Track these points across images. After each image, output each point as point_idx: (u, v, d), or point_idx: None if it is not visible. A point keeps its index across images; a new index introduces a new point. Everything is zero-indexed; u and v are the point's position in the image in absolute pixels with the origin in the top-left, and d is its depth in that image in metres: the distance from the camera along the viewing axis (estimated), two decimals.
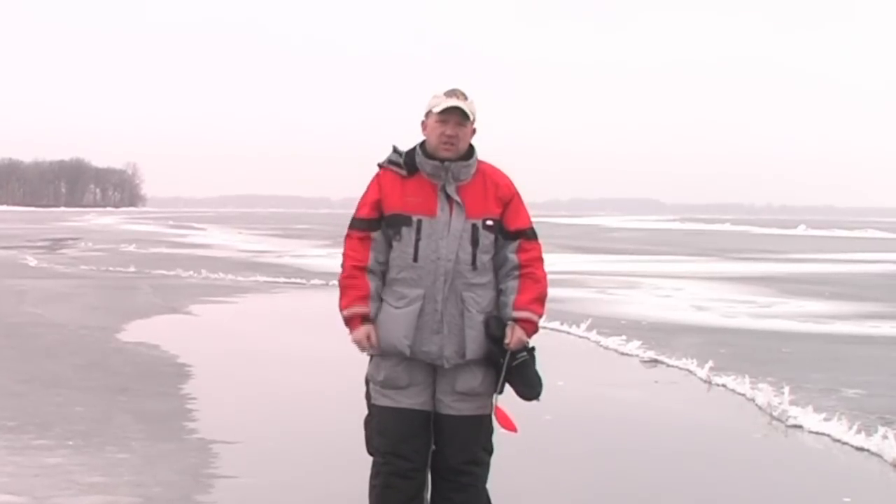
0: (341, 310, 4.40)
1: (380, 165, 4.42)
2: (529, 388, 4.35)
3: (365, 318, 4.34)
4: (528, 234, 4.42)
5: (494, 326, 4.30)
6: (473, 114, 4.34)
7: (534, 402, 4.43)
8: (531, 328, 4.34)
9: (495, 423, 4.44)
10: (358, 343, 4.37)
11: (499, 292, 4.37)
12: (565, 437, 7.76)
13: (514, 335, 4.29)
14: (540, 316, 4.38)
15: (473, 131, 4.40)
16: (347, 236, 4.43)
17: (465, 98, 4.34)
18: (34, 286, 20.28)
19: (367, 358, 4.45)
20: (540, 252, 4.44)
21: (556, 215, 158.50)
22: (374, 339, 4.32)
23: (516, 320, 4.30)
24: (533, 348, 4.39)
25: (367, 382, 4.46)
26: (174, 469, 6.48)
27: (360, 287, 4.35)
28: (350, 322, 4.38)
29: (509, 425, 4.38)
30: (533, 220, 4.51)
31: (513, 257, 4.36)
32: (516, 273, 4.35)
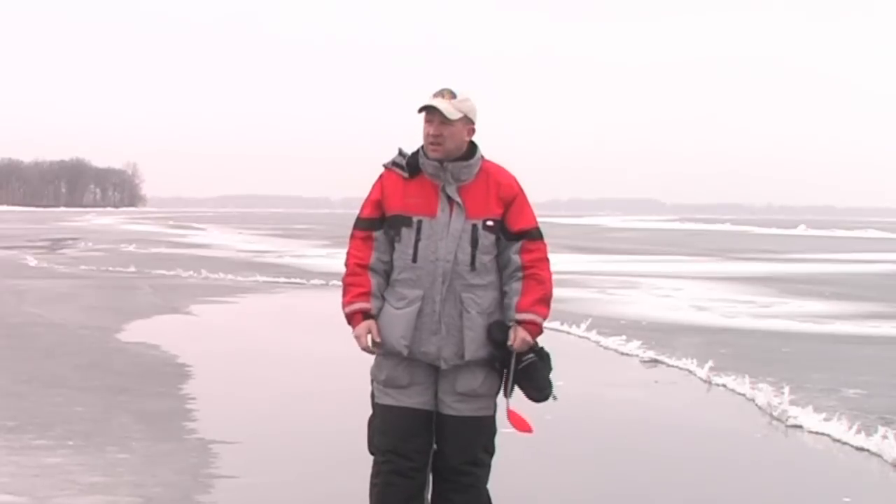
0: (343, 307, 4.39)
1: (384, 166, 4.43)
2: (537, 390, 4.35)
3: (366, 315, 4.33)
4: (532, 235, 4.38)
5: (496, 331, 4.29)
6: (461, 112, 4.28)
7: (534, 403, 4.42)
8: (535, 330, 4.32)
9: (509, 426, 4.41)
10: (358, 339, 4.36)
11: (503, 294, 4.35)
12: (565, 437, 7.76)
13: (517, 337, 4.28)
14: (544, 317, 4.35)
15: (472, 131, 4.38)
16: (351, 236, 4.44)
17: (454, 97, 4.30)
18: (34, 286, 20.28)
19: (370, 357, 4.45)
20: (545, 252, 4.41)
21: (555, 215, 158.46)
22: (374, 334, 4.30)
23: (519, 322, 4.30)
24: (544, 351, 4.37)
25: (371, 381, 4.46)
26: (174, 469, 6.48)
27: (362, 284, 4.35)
28: (351, 319, 4.37)
29: (524, 426, 4.38)
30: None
31: (516, 258, 4.33)
32: (519, 275, 4.33)
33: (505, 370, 4.32)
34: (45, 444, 7.07)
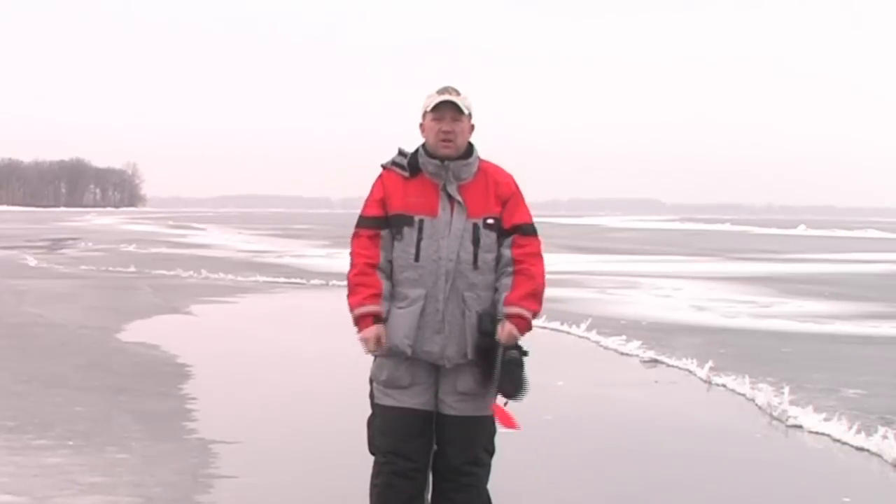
0: (351, 308, 4.31)
1: (383, 166, 4.42)
2: (513, 387, 4.24)
3: (377, 318, 4.28)
4: (525, 230, 4.38)
5: (487, 322, 4.26)
6: (468, 108, 4.34)
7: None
8: (523, 325, 4.27)
9: (498, 424, 4.41)
10: (365, 342, 4.31)
11: (494, 290, 4.34)
12: (565, 437, 7.77)
13: (504, 330, 4.23)
14: (533, 312, 4.30)
15: (472, 128, 4.40)
16: (355, 235, 4.40)
17: (458, 94, 4.34)
18: (34, 286, 20.28)
19: (370, 358, 4.45)
20: (537, 248, 4.40)
21: (555, 215, 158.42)
22: (383, 340, 4.26)
23: (507, 316, 4.27)
24: (525, 351, 4.31)
25: (370, 382, 4.46)
26: (174, 469, 6.48)
27: (373, 285, 4.30)
28: (360, 321, 4.31)
29: (509, 423, 4.32)
30: (533, 219, 4.49)
31: (507, 253, 4.33)
32: (510, 269, 4.32)
33: (492, 364, 4.23)
34: (45, 444, 7.07)
